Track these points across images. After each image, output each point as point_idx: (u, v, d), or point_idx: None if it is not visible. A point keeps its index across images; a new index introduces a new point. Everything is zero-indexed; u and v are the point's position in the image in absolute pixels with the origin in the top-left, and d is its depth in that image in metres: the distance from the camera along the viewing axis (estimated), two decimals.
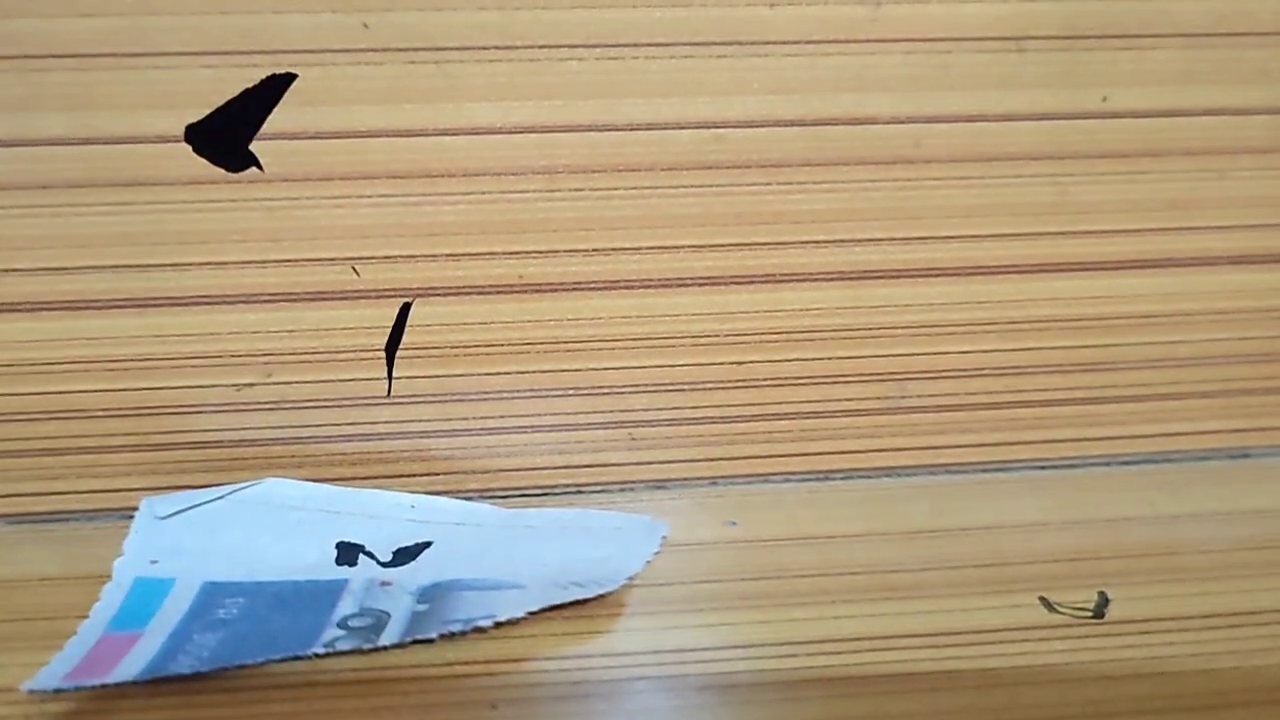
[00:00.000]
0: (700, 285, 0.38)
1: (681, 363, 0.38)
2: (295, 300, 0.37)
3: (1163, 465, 0.40)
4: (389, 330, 0.37)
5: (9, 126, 0.35)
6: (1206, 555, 0.34)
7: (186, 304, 0.36)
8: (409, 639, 0.29)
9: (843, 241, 0.38)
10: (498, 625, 0.30)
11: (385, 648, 0.29)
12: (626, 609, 0.31)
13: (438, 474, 0.38)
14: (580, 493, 0.39)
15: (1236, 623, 0.31)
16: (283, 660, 0.29)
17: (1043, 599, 0.32)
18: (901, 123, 0.38)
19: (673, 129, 0.37)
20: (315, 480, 0.37)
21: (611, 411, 0.38)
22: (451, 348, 0.38)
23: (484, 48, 0.36)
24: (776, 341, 0.39)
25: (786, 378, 0.39)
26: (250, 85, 0.35)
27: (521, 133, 0.37)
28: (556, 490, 0.39)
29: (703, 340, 0.38)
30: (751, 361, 0.39)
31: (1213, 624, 0.30)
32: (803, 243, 0.38)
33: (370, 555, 0.34)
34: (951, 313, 0.39)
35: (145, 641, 0.29)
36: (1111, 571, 0.33)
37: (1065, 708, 0.27)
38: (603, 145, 0.37)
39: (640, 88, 0.37)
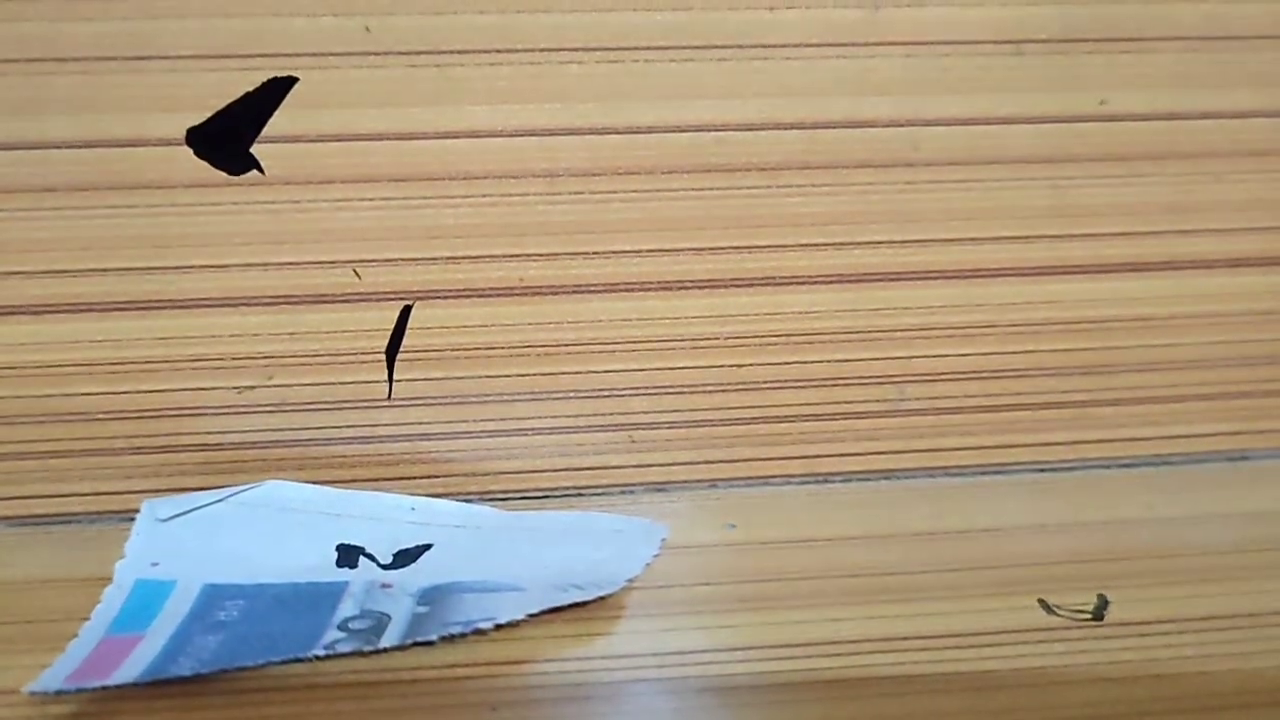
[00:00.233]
0: (700, 288, 0.38)
1: (681, 365, 0.38)
2: (296, 303, 0.37)
3: (1161, 468, 0.40)
4: (390, 333, 0.37)
5: (13, 129, 0.35)
6: (1205, 557, 0.34)
7: (188, 307, 0.36)
8: (409, 641, 0.30)
9: (842, 244, 0.38)
10: (498, 627, 0.30)
11: (385, 650, 0.29)
12: (626, 611, 0.31)
13: (438, 476, 0.38)
14: (580, 495, 0.39)
15: (1235, 624, 0.31)
16: (283, 662, 0.29)
17: (1042, 601, 0.32)
18: (900, 126, 0.38)
19: (673, 132, 0.37)
20: (316, 483, 0.37)
21: (611, 414, 0.38)
22: (452, 350, 0.38)
23: (485, 51, 0.36)
24: (776, 344, 0.39)
25: (786, 381, 0.39)
26: (252, 88, 0.36)
27: (522, 136, 0.37)
28: (557, 493, 0.39)
29: (702, 343, 0.38)
30: (751, 364, 0.39)
31: (1212, 626, 0.30)
32: (802, 245, 0.38)
33: (370, 557, 0.34)
34: (950, 315, 0.39)
35: (146, 643, 0.29)
36: (1110, 574, 0.33)
37: (1064, 710, 0.27)
38: (603, 148, 0.37)
39: (640, 91, 0.37)
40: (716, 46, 0.37)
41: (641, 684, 0.28)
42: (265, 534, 0.34)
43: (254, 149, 0.36)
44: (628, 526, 0.36)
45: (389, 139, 0.36)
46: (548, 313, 0.38)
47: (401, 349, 0.37)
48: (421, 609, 0.31)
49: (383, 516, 0.36)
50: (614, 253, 0.38)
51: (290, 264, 0.37)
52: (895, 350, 0.39)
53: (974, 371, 0.40)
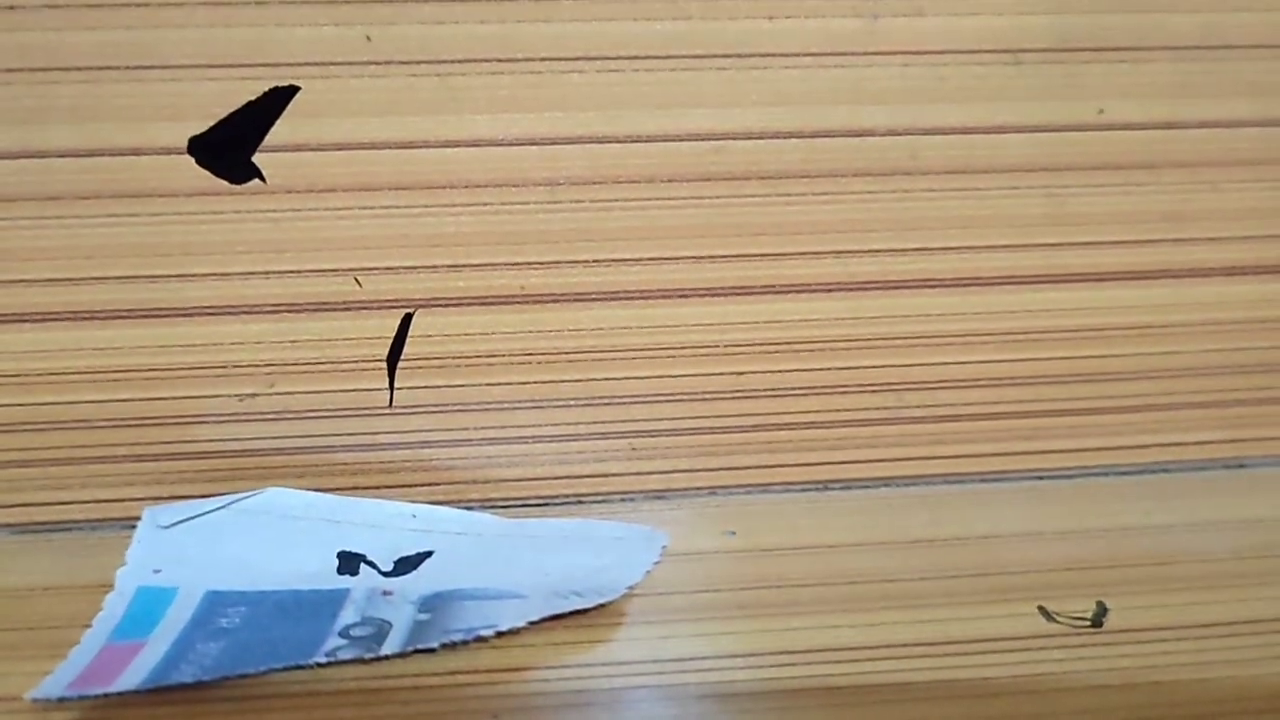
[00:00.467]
0: (700, 296, 0.38)
1: (681, 373, 0.39)
2: (298, 311, 0.37)
3: (1159, 475, 0.41)
4: (391, 341, 0.38)
5: (15, 138, 0.35)
6: (1204, 565, 0.34)
7: (190, 315, 0.37)
8: (410, 648, 0.30)
9: (841, 253, 0.39)
10: (499, 634, 0.30)
11: (387, 657, 0.29)
12: (627, 618, 0.32)
13: (439, 484, 0.38)
14: (581, 503, 0.39)
15: (1234, 632, 0.31)
16: (285, 669, 0.29)
17: (1041, 608, 0.32)
18: (898, 134, 0.38)
19: (673, 141, 0.37)
20: (317, 490, 0.37)
21: (612, 422, 0.39)
22: (453, 358, 0.38)
23: (485, 60, 0.36)
24: (776, 352, 0.39)
25: (786, 388, 0.39)
26: (254, 97, 0.36)
27: (523, 144, 0.37)
28: (557, 500, 0.39)
29: (702, 351, 0.39)
30: (751, 372, 0.39)
31: (1210, 633, 0.31)
32: (801, 254, 0.38)
33: (372, 565, 0.34)
34: (949, 323, 0.39)
35: (148, 650, 0.29)
36: (1109, 581, 0.33)
37: (1063, 717, 0.27)
38: (603, 157, 0.37)
39: (640, 100, 0.37)
40: (716, 56, 0.37)
41: (642, 691, 0.29)
42: (267, 541, 0.34)
43: (256, 158, 0.36)
44: (628, 534, 0.36)
45: (390, 148, 0.36)
46: (548, 321, 0.38)
47: (402, 357, 0.38)
48: (423, 616, 0.31)
49: (384, 524, 0.36)
50: (614, 261, 0.38)
51: (292, 272, 0.37)
52: (894, 358, 0.39)
53: (972, 379, 0.40)
